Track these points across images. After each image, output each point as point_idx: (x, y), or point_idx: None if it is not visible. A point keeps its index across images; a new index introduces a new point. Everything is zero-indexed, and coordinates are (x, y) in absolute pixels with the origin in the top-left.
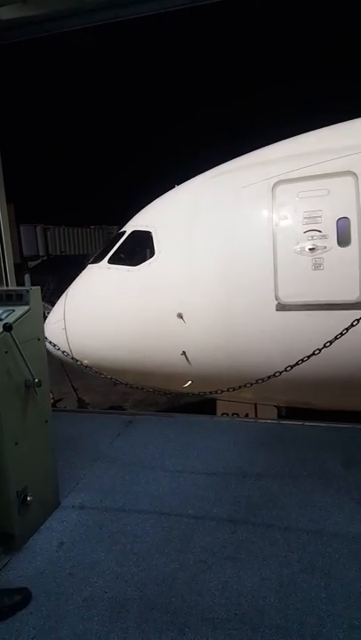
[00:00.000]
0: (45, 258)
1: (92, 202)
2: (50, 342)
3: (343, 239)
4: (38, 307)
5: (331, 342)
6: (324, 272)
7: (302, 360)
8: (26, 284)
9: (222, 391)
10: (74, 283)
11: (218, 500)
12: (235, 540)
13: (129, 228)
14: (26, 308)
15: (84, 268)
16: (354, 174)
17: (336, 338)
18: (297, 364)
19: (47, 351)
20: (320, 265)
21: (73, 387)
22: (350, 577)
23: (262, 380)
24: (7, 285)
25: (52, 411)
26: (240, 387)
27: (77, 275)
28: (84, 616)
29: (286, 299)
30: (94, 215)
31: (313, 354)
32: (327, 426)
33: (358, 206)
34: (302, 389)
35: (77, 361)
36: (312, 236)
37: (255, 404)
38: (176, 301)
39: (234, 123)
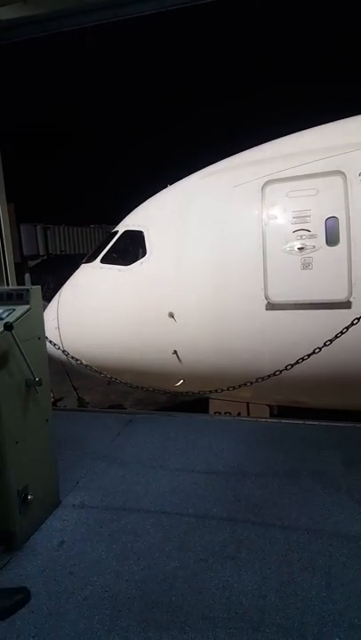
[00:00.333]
0: (45, 257)
1: (92, 201)
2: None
3: (332, 238)
4: (39, 306)
5: (331, 341)
6: (312, 271)
7: (303, 358)
8: (26, 284)
9: (222, 390)
10: (67, 282)
11: (218, 498)
12: (235, 538)
13: (121, 227)
14: (26, 307)
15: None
16: (343, 174)
17: (337, 336)
18: (297, 362)
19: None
20: (309, 264)
21: (73, 386)
22: (351, 576)
23: (262, 378)
24: (7, 285)
25: (53, 410)
26: (240, 386)
27: None
28: (85, 615)
29: (276, 298)
30: (94, 214)
31: (314, 352)
32: (328, 425)
33: (347, 206)
34: (295, 388)
35: (74, 358)
36: (301, 236)
37: (247, 403)
38: (167, 301)
39: (234, 122)
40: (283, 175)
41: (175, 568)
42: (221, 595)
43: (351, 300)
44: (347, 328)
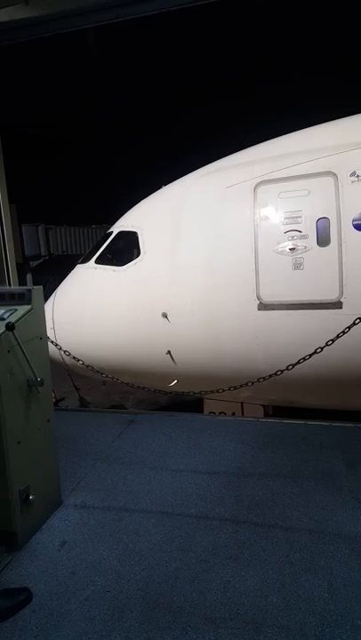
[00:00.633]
0: (47, 257)
1: (93, 201)
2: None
3: (323, 239)
4: (40, 306)
5: (333, 341)
6: (304, 272)
7: (304, 359)
8: (28, 284)
9: (223, 390)
10: (62, 283)
11: (220, 499)
12: (237, 539)
13: (116, 228)
14: (28, 307)
15: None
16: (334, 175)
17: (338, 336)
18: (298, 362)
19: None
20: (300, 265)
21: (75, 386)
22: (353, 576)
23: (264, 378)
24: (9, 285)
25: (54, 410)
26: (240, 386)
27: None
28: (86, 615)
29: (268, 298)
30: (96, 214)
31: (315, 352)
32: (330, 425)
33: (338, 206)
34: (291, 388)
35: (70, 356)
36: (293, 236)
37: (242, 403)
38: (161, 301)
39: (235, 122)
40: (275, 176)
41: (177, 568)
42: (223, 595)
43: (342, 300)
44: (349, 328)
